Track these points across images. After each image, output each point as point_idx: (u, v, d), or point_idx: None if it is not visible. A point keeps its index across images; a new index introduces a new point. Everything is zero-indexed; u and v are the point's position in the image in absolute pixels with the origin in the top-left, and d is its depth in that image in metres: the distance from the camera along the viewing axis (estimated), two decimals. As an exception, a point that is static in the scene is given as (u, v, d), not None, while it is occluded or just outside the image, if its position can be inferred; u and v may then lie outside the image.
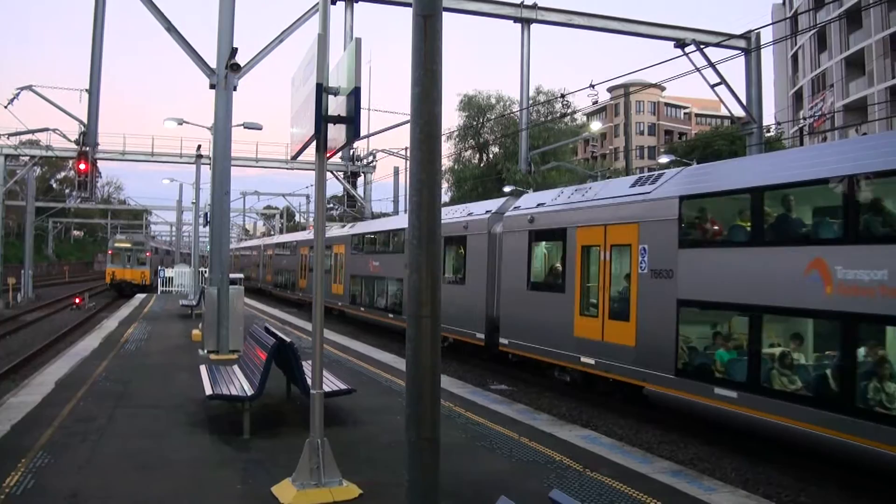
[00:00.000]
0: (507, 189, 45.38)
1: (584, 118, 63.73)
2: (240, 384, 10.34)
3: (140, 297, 44.64)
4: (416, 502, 4.98)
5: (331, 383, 10.60)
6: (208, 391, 9.78)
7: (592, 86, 23.60)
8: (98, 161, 51.39)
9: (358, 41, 6.38)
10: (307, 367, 10.97)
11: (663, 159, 39.02)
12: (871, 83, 57.20)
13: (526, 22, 24.07)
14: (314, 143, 6.93)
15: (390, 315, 28.60)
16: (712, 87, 25.19)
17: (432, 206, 4.80)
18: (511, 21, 24.25)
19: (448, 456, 8.93)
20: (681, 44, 24.49)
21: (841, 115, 59.22)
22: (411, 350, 4.97)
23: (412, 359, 5.01)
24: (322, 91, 6.54)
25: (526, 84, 24.37)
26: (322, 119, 6.57)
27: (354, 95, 6.29)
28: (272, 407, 11.44)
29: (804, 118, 63.18)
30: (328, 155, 7.01)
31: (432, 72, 4.87)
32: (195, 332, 21.13)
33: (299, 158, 43.33)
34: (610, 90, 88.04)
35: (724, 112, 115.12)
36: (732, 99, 25.80)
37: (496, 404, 12.54)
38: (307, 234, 46.37)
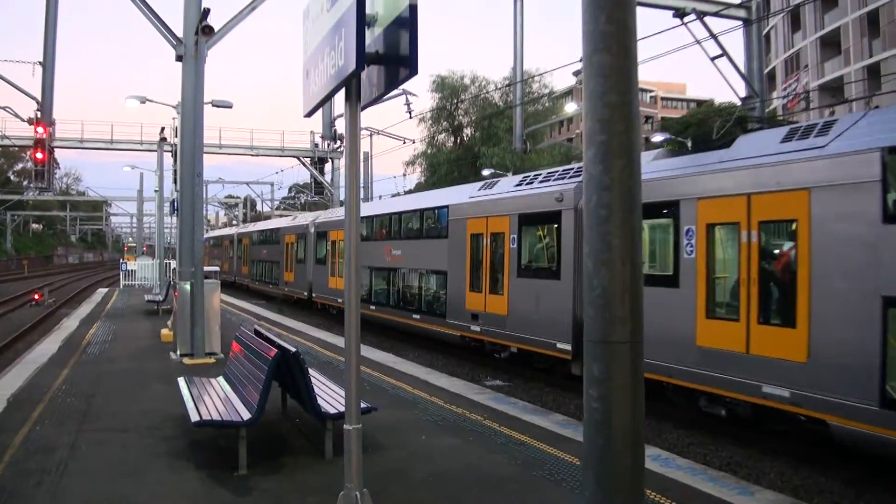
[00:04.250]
0: (485, 172, 43.79)
1: (564, 100, 62.37)
2: (230, 402, 8.47)
3: (102, 291, 42.29)
4: None
5: (339, 397, 8.77)
6: (194, 416, 7.83)
7: (582, 60, 21.08)
8: (55, 150, 49.09)
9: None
10: (313, 379, 9.18)
11: (657, 137, 37.45)
12: (847, 62, 56.45)
13: (518, -11, 22.37)
14: (343, 90, 5.09)
15: (416, 316, 23.43)
16: (712, 59, 23.67)
17: (630, 149, 3.06)
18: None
19: (507, 495, 7.33)
20: (680, 13, 22.93)
21: (816, 95, 58.45)
22: (595, 400, 3.17)
23: (597, 417, 3.21)
24: (363, 8, 4.61)
25: (520, 55, 22.60)
26: (363, 57, 4.65)
27: (410, 14, 4.44)
28: (268, 426, 9.54)
29: (780, 97, 62.16)
30: (362, 106, 5.16)
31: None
32: (164, 331, 19.15)
33: (273, 151, 40.44)
34: (576, 73, 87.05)
35: (689, 95, 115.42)
36: (732, 73, 24.34)
37: (529, 414, 10.71)
38: (293, 221, 41.86)
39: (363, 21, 4.59)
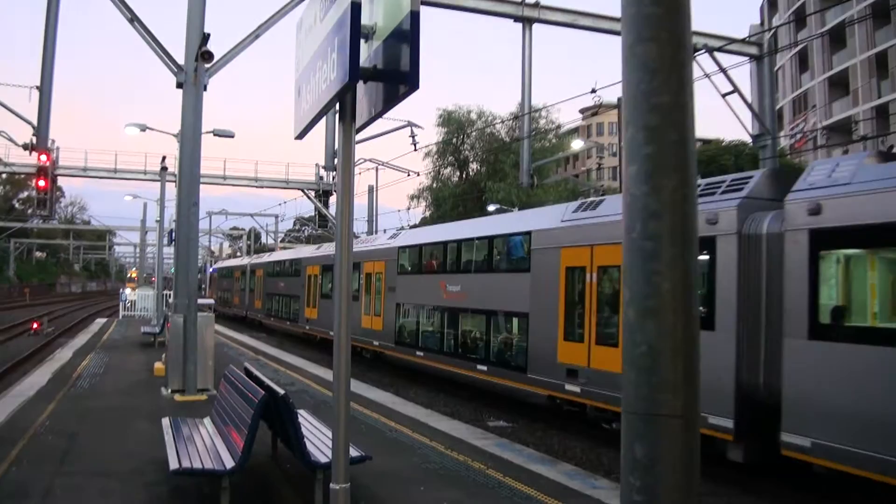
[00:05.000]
0: (490, 208, 43.42)
1: (571, 135, 62.17)
2: (214, 448, 7.86)
3: (100, 321, 41.69)
4: None
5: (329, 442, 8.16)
6: (173, 463, 7.21)
7: (594, 90, 20.62)
8: (59, 178, 48.55)
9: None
10: (305, 423, 8.59)
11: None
12: (855, 103, 56.28)
13: (527, 21, 21.88)
14: (337, 107, 4.57)
15: (481, 367, 19.36)
16: (723, 95, 23.29)
17: (685, 165, 2.51)
18: (511, 20, 22.16)
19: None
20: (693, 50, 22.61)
21: (824, 135, 58.20)
22: (636, 491, 2.55)
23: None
24: (358, 15, 4.10)
25: (528, 87, 22.10)
26: (356, 69, 4.13)
27: (411, 24, 3.93)
28: (255, 472, 8.91)
29: (787, 135, 61.97)
30: (358, 127, 4.63)
31: None
32: (158, 364, 18.53)
33: (277, 183, 39.50)
34: (581, 111, 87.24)
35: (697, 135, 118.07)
36: (742, 111, 24.01)
37: (535, 463, 10.01)
38: (318, 250, 36.95)
39: (358, 28, 4.09)
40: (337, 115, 4.74)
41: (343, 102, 4.52)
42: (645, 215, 2.48)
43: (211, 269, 75.90)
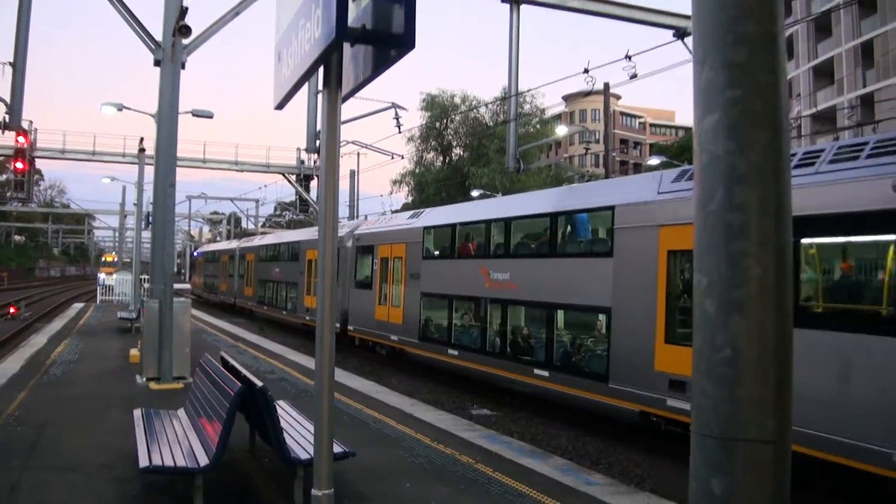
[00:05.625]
0: (474, 194, 42.94)
1: (554, 121, 61.76)
2: (187, 442, 7.38)
3: (77, 306, 40.96)
4: None
5: (313, 437, 7.69)
6: (143, 460, 6.71)
7: (587, 70, 20.06)
8: (38, 160, 47.51)
9: None
10: (285, 415, 8.14)
11: (653, 160, 37.03)
12: (840, 92, 56.17)
13: (515, 2, 21.41)
14: (322, 72, 4.09)
15: (541, 373, 15.97)
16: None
17: (777, 115, 2.02)
18: (499, 0, 21.64)
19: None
20: (680, 33, 22.16)
21: (808, 123, 58.10)
22: None
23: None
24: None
25: (515, 69, 21.51)
26: (344, 23, 3.66)
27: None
28: (232, 466, 8.46)
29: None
30: (345, 94, 4.16)
31: None
32: (133, 351, 17.98)
33: (258, 168, 38.16)
34: (565, 98, 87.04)
35: (678, 122, 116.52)
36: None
37: (525, 457, 9.56)
38: (316, 233, 33.50)
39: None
40: (319, 86, 4.27)
41: (328, 66, 4.05)
42: (729, 180, 1.99)
43: (195, 253, 73.83)
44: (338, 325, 25.47)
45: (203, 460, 6.66)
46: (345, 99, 4.24)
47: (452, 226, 20.76)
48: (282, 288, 36.77)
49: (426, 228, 22.07)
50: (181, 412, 8.84)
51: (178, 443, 7.39)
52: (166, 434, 7.73)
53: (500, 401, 17.58)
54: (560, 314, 16.36)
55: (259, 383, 6.97)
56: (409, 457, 9.39)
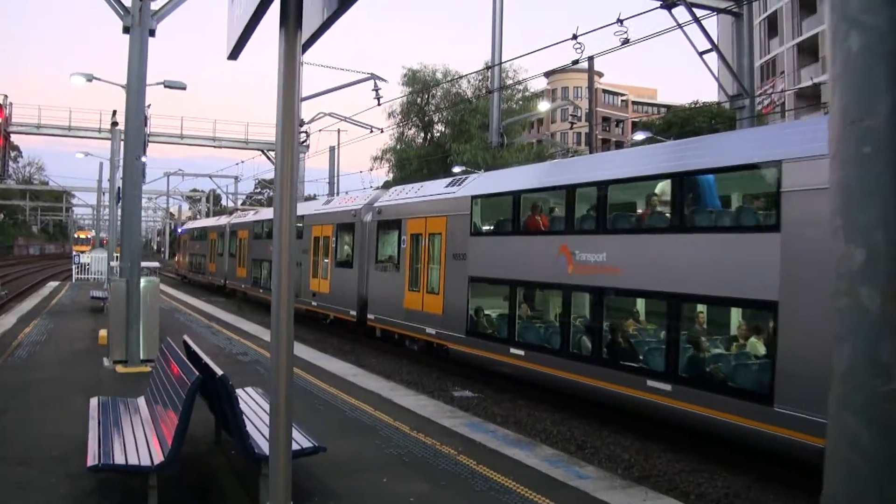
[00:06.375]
0: (456, 170, 42.25)
1: (537, 98, 61.08)
2: (143, 436, 6.75)
3: (53, 285, 40.05)
4: None
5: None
6: (91, 457, 6.04)
7: (576, 37, 19.24)
8: (14, 136, 46.61)
9: None
10: (251, 403, 7.53)
11: (639, 136, 36.57)
12: (824, 70, 55.78)
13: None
14: (278, 9, 3.43)
15: (660, 386, 12.15)
16: (701, 54, 22.44)
17: None
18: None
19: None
20: (668, 3, 21.57)
21: (792, 101, 57.82)
22: None
23: None
24: None
25: (499, 36, 20.76)
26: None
27: None
28: (195, 460, 7.82)
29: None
30: (306, 40, 3.50)
31: None
32: (102, 332, 17.25)
33: (236, 144, 36.98)
34: (546, 74, 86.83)
35: (659, 100, 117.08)
36: (716, 71, 23.09)
37: (511, 447, 8.94)
38: (328, 206, 28.91)
39: None
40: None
41: (285, 1, 3.39)
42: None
43: (180, 230, 70.77)
44: (353, 312, 23.51)
45: (158, 458, 6.03)
46: (308, 44, 3.58)
47: (515, 193, 16.58)
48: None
49: (476, 198, 17.89)
50: (141, 401, 8.20)
51: (133, 436, 6.75)
52: (122, 426, 7.08)
53: (482, 381, 17.02)
54: (691, 308, 12.45)
55: (219, 371, 6.31)
56: (387, 447, 8.76)
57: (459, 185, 19.04)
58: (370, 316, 22.30)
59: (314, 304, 26.99)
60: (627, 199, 14.73)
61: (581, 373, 13.88)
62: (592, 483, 7.57)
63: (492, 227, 18.09)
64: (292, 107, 3.66)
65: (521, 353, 15.52)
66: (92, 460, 5.99)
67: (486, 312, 17.50)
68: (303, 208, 30.88)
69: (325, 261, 26.53)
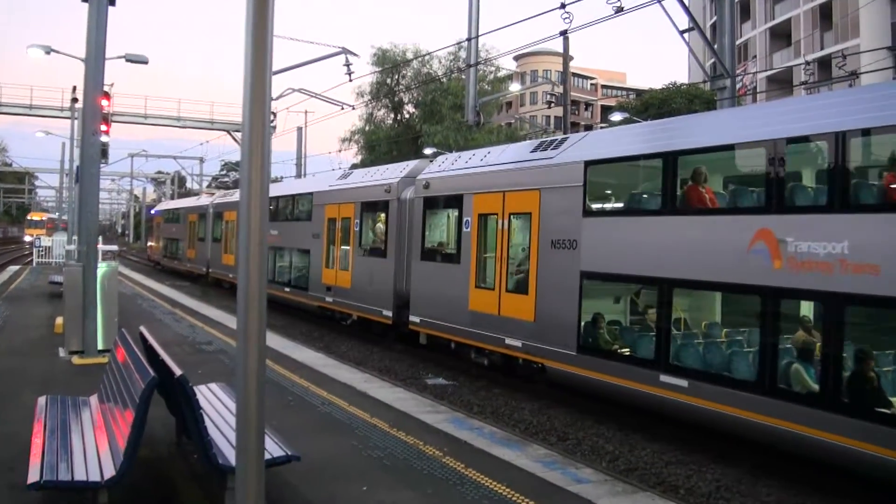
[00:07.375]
0: (427, 152, 41.46)
1: (508, 80, 60.45)
2: (94, 444, 5.99)
3: (13, 269, 38.77)
4: None
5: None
6: (32, 472, 5.24)
7: (563, 5, 18.13)
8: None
9: None
10: (216, 402, 6.82)
11: (616, 116, 36.14)
12: (797, 54, 55.61)
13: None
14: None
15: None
16: (681, 32, 21.95)
17: None
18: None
19: None
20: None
21: (764, 85, 57.64)
22: None
23: None
24: None
25: (476, 8, 19.82)
26: None
27: None
28: (153, 467, 7.07)
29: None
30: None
31: None
32: (59, 320, 16.38)
33: (202, 124, 35.89)
34: (516, 58, 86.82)
35: (629, 84, 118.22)
36: (698, 52, 22.55)
37: (500, 446, 8.29)
38: (346, 180, 23.61)
39: None
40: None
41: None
42: None
43: (153, 212, 62.18)
44: (387, 313, 19.14)
45: (109, 471, 5.25)
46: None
47: (663, 156, 11.60)
48: (283, 256, 27.48)
49: (594, 164, 12.94)
50: (93, 400, 7.43)
51: (83, 444, 5.97)
52: (70, 433, 6.28)
53: (456, 369, 16.35)
54: None
55: (177, 371, 5.53)
56: (365, 449, 8.01)
57: (557, 147, 14.09)
58: (413, 318, 17.72)
59: (329, 300, 22.60)
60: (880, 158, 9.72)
61: (801, 421, 8.97)
62: (593, 488, 6.91)
63: (622, 205, 13.78)
64: (263, 76, 2.96)
65: (682, 383, 10.68)
66: (33, 476, 5.18)
67: (612, 322, 13.14)
68: (311, 184, 27.43)
69: (345, 248, 21.94)
